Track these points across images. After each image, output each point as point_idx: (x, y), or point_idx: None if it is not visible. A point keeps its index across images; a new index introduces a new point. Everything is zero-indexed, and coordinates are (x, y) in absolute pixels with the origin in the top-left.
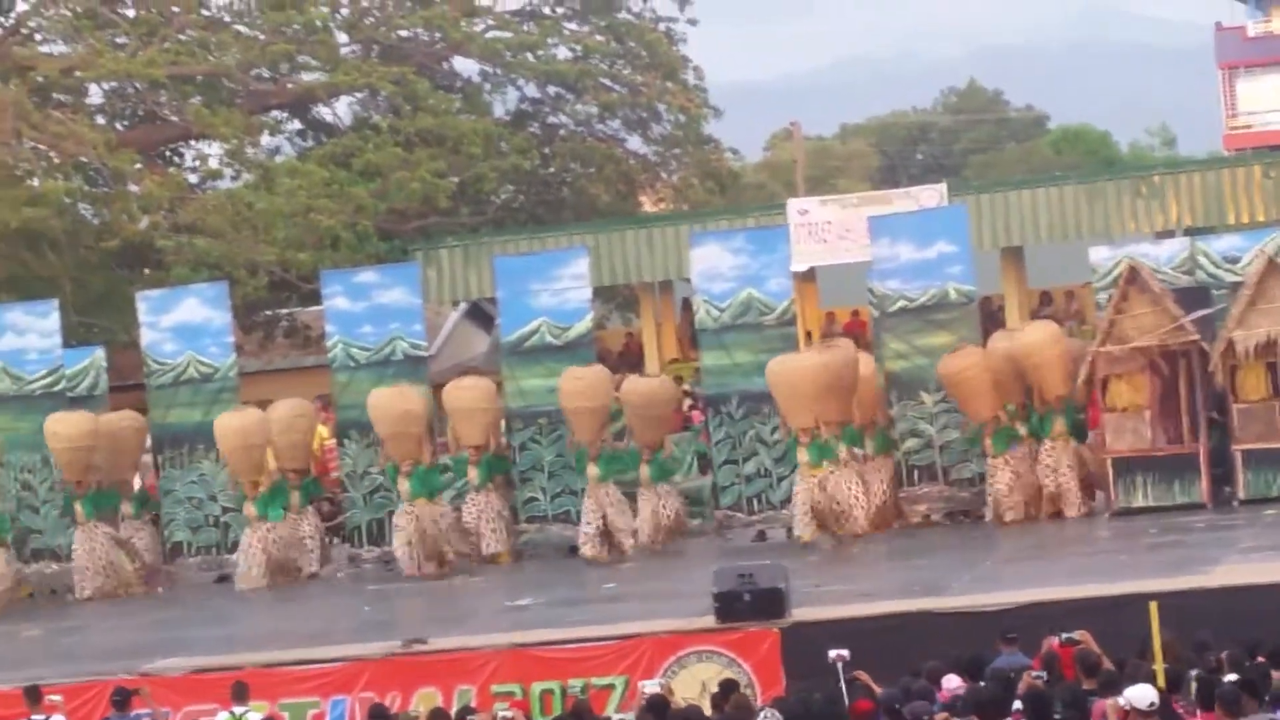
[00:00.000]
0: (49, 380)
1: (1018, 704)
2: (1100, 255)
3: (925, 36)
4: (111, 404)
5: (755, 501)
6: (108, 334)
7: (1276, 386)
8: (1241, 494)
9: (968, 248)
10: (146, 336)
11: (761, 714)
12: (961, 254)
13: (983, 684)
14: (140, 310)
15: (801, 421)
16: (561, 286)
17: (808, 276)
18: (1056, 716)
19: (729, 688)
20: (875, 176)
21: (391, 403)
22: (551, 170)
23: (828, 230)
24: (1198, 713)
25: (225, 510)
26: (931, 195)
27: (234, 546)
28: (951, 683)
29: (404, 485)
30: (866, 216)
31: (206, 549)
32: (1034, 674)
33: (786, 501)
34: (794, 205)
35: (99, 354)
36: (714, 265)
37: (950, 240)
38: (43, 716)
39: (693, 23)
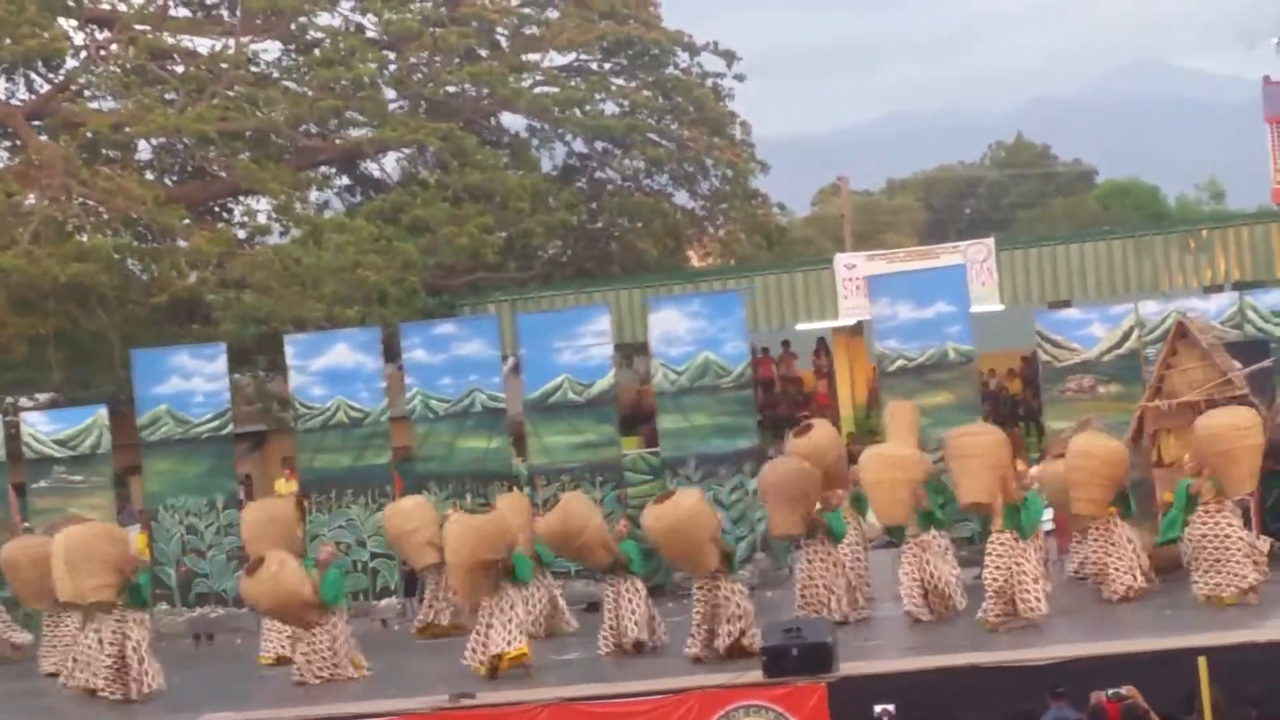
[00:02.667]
0: (215, 424)
1: None
2: (1148, 310)
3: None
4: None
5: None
6: None
7: None
8: None
9: (966, 307)
10: (295, 380)
11: None
12: (960, 314)
13: None
14: (288, 354)
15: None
16: (584, 344)
17: (855, 331)
18: None
19: None
20: (923, 231)
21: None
22: (599, 225)
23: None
24: None
25: (374, 556)
26: (980, 250)
27: (382, 592)
28: None
29: None
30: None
31: (354, 594)
32: None
33: (745, 562)
34: (841, 260)
35: (101, 413)
36: (671, 329)
37: (949, 300)
38: None
39: (740, 78)
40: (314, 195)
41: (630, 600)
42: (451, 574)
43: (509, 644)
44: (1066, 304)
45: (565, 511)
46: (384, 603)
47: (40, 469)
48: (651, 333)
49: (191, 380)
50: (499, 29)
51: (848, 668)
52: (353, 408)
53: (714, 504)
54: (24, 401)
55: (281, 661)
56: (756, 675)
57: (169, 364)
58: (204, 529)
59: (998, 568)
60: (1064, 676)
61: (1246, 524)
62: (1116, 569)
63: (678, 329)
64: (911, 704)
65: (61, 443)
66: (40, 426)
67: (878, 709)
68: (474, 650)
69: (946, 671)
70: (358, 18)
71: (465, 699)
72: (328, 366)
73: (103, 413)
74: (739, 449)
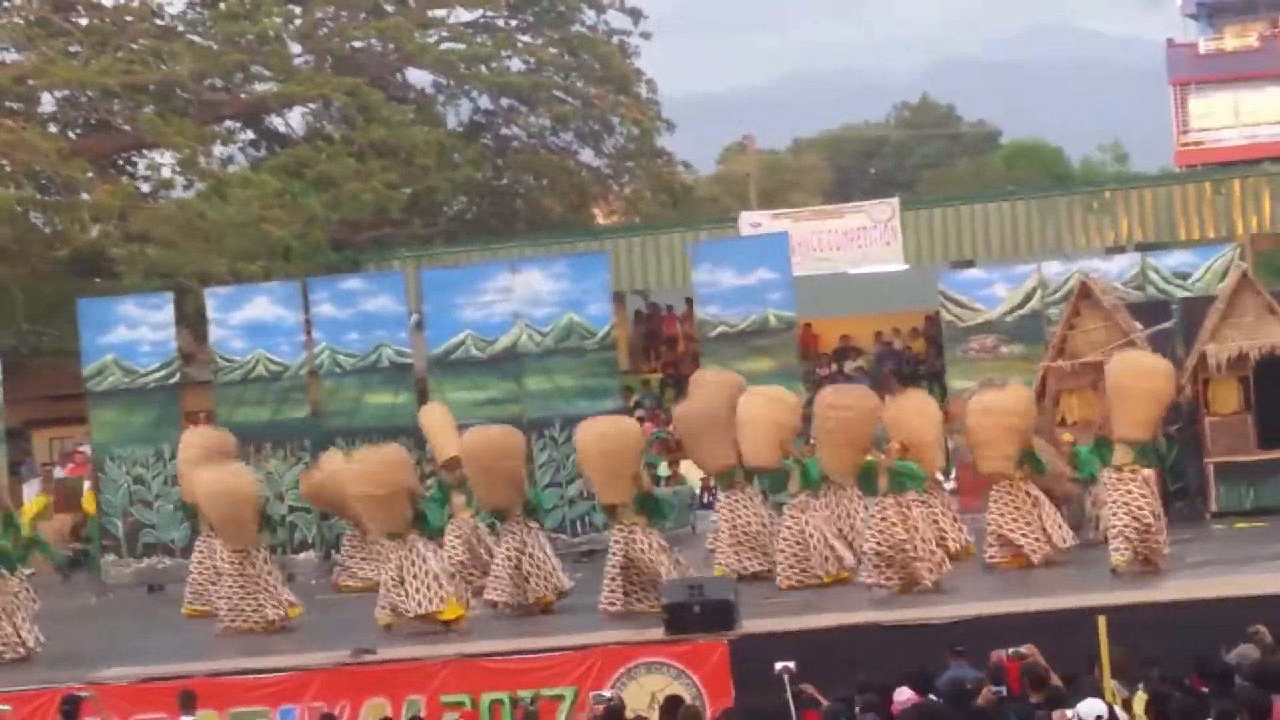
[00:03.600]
0: (162, 373)
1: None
2: (1051, 270)
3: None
4: (59, 413)
5: (579, 524)
6: (58, 342)
7: (1248, 400)
8: (1214, 506)
9: (788, 274)
10: (214, 333)
11: None
12: (782, 281)
13: (933, 697)
14: (209, 306)
15: None
16: (487, 300)
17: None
18: None
19: (675, 703)
20: (828, 190)
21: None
22: (504, 182)
23: None
24: None
25: (293, 510)
26: (884, 210)
27: (300, 546)
28: (903, 695)
29: None
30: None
31: (272, 548)
32: (993, 688)
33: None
34: (746, 218)
35: None
36: (535, 291)
37: (771, 267)
38: None
39: (646, 36)
40: (218, 150)
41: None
42: (363, 507)
43: (433, 603)
44: (970, 264)
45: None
46: (301, 556)
47: None
48: (516, 293)
49: (138, 329)
50: None
51: (749, 625)
52: (273, 361)
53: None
54: None
55: (202, 615)
56: (658, 632)
57: (115, 313)
58: (151, 479)
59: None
60: (964, 635)
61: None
62: (1020, 534)
63: (541, 290)
64: (812, 662)
65: None
66: None
67: (778, 666)
68: (383, 606)
69: (847, 630)
70: None
71: (366, 654)
72: (248, 320)
73: None
74: (604, 409)
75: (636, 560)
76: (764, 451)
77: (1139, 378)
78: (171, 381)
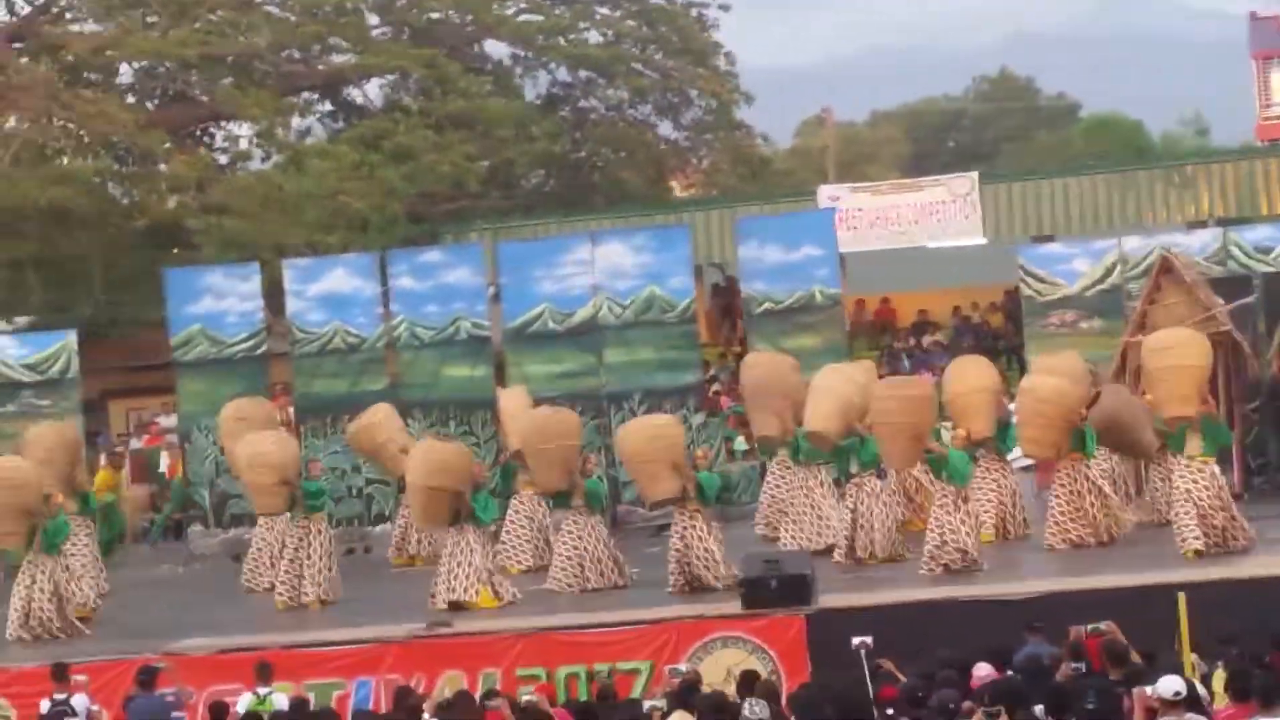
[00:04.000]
0: (250, 343)
1: None
2: (1132, 245)
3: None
4: (135, 384)
5: None
6: (135, 313)
7: None
8: None
9: (834, 251)
10: (292, 305)
11: (746, 703)
12: (828, 257)
13: (1011, 673)
14: (286, 278)
15: None
16: (565, 273)
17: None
18: (1090, 706)
19: (751, 678)
20: (905, 163)
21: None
22: (582, 154)
23: (859, 217)
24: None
25: (369, 482)
26: (963, 184)
27: (376, 519)
28: (982, 671)
29: None
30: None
31: (348, 520)
32: (1072, 664)
33: None
34: (825, 192)
35: (70, 338)
36: (617, 263)
37: (817, 244)
38: (66, 695)
39: (724, 8)
40: (296, 121)
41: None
42: (409, 495)
43: (466, 593)
44: (1050, 239)
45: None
46: (378, 529)
47: (7, 393)
48: (596, 266)
49: (225, 300)
50: None
51: (826, 600)
52: (350, 333)
53: None
54: (2, 325)
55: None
56: (735, 607)
57: (202, 283)
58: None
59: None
60: (1042, 611)
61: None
62: (1061, 515)
63: (623, 262)
64: (889, 637)
65: (30, 367)
66: (9, 350)
67: (856, 641)
68: (434, 593)
69: (925, 605)
70: None
71: (442, 627)
72: (326, 292)
73: (71, 338)
74: (683, 384)
75: (692, 547)
76: (831, 421)
77: (1163, 355)
78: (258, 352)
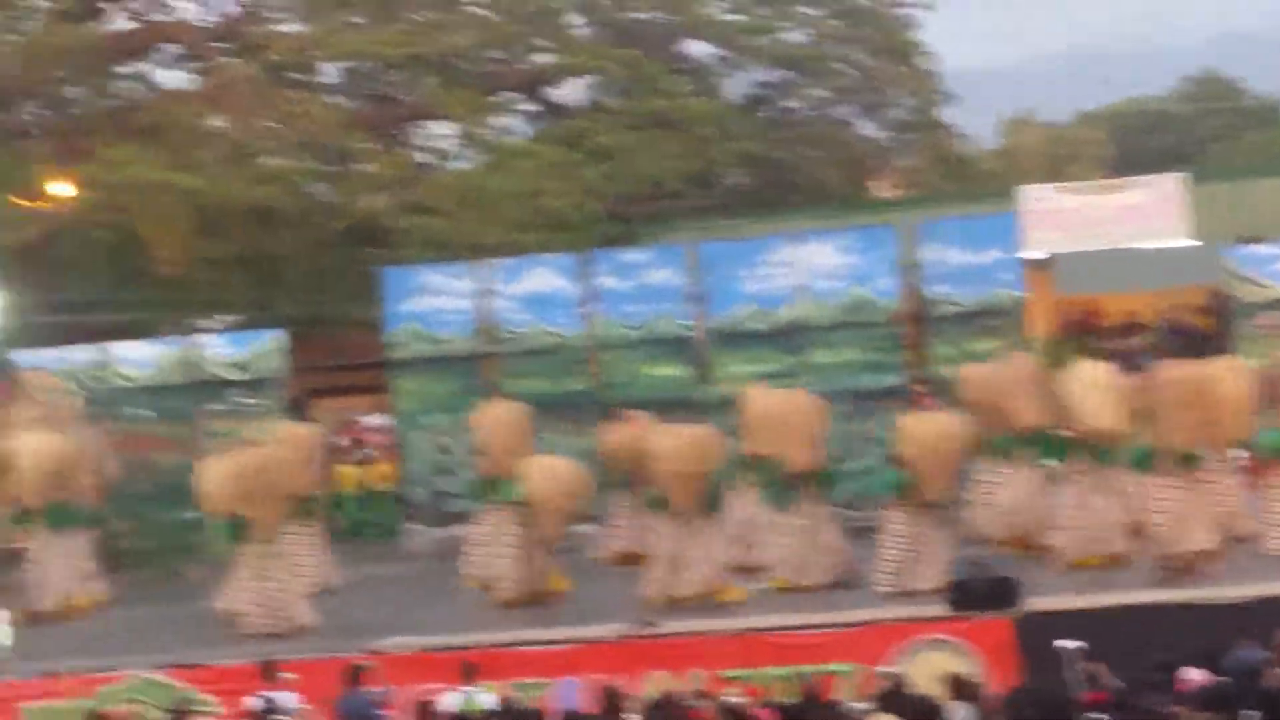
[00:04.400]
0: (463, 343)
1: None
2: None
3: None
4: (339, 383)
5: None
6: (337, 312)
7: None
8: None
9: (1017, 254)
10: (496, 304)
11: (952, 707)
12: (1011, 260)
13: (1222, 678)
14: (491, 277)
15: None
16: (768, 273)
17: (1044, 264)
18: None
19: (958, 682)
20: (1110, 164)
21: None
22: (783, 154)
23: (1064, 217)
24: None
25: None
26: (1168, 184)
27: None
28: (1191, 675)
29: None
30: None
31: None
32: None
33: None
34: (1029, 192)
35: (279, 337)
36: (821, 264)
37: (1001, 247)
38: (275, 692)
39: (928, 6)
40: (497, 120)
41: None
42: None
43: (706, 586)
44: (1258, 239)
45: None
46: (580, 529)
47: (216, 392)
48: (800, 266)
49: (440, 298)
50: None
51: (1033, 603)
52: (552, 333)
53: (866, 439)
54: (208, 324)
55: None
56: (942, 609)
57: (418, 281)
58: (455, 448)
59: None
60: (1255, 616)
61: None
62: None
63: (827, 263)
64: (1100, 641)
65: (238, 366)
66: (217, 350)
67: (1064, 644)
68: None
69: (1135, 609)
70: None
71: (648, 627)
72: (529, 291)
73: (280, 337)
74: (887, 385)
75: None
76: (1107, 416)
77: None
78: (473, 351)
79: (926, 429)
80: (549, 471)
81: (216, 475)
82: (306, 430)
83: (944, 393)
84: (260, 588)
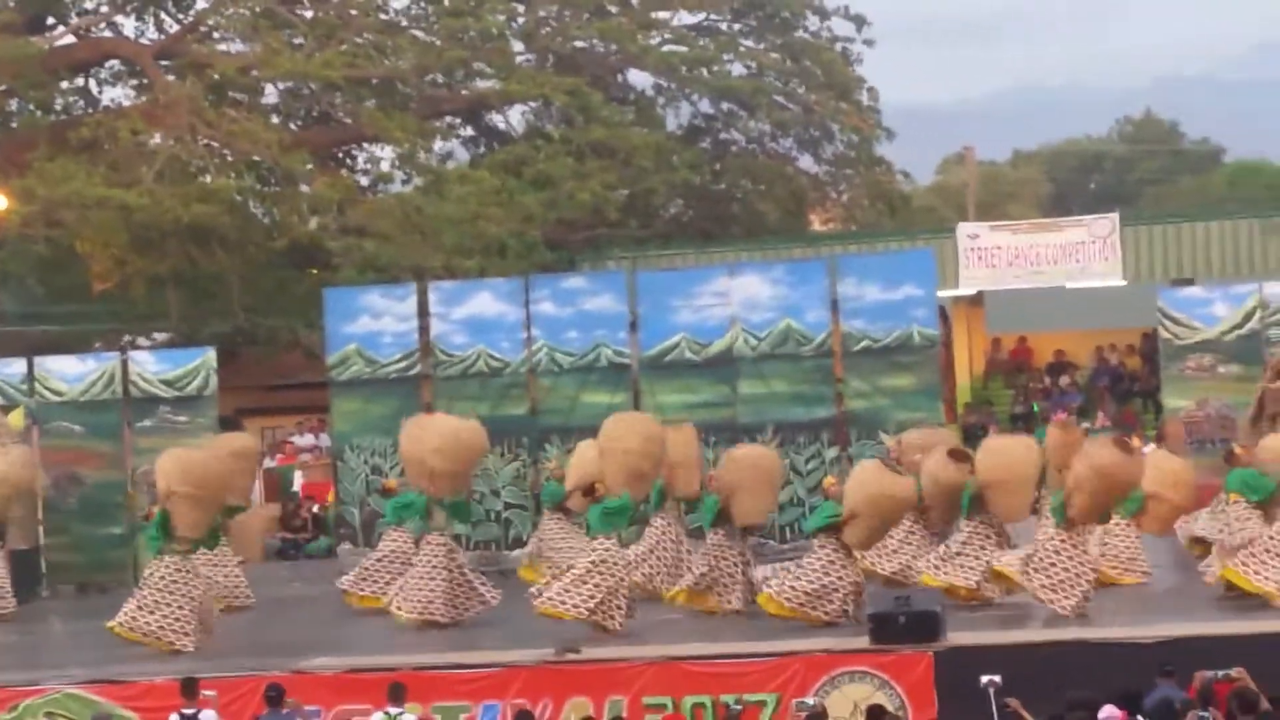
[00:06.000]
0: (404, 364)
1: None
2: (1273, 290)
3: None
4: (275, 402)
5: (788, 530)
6: (272, 332)
7: None
8: None
9: (933, 292)
10: (436, 327)
11: None
12: (927, 298)
13: (1141, 718)
14: (431, 301)
15: None
16: (703, 304)
17: (975, 301)
18: None
19: (878, 713)
20: (1046, 204)
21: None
22: (722, 186)
23: (997, 255)
24: None
25: (508, 506)
26: (1104, 225)
27: (514, 543)
28: (1110, 714)
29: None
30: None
31: (485, 544)
32: (1199, 714)
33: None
34: (964, 229)
35: (210, 355)
36: (754, 295)
37: (917, 284)
38: (195, 710)
39: (869, 43)
40: (438, 145)
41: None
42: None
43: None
44: (1190, 282)
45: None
46: (515, 553)
47: (146, 408)
48: (733, 297)
49: (381, 320)
50: None
51: (956, 637)
52: (494, 357)
53: (790, 471)
54: (141, 341)
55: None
56: (863, 642)
57: (360, 303)
58: (388, 469)
59: None
60: (1173, 655)
61: None
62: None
63: (760, 295)
64: (1018, 677)
65: (169, 383)
66: (148, 366)
67: (984, 680)
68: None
69: (1055, 645)
70: None
71: (570, 654)
72: (470, 315)
73: (211, 355)
74: (817, 418)
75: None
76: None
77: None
78: (412, 373)
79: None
80: None
81: (169, 459)
82: (246, 439)
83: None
84: (171, 601)
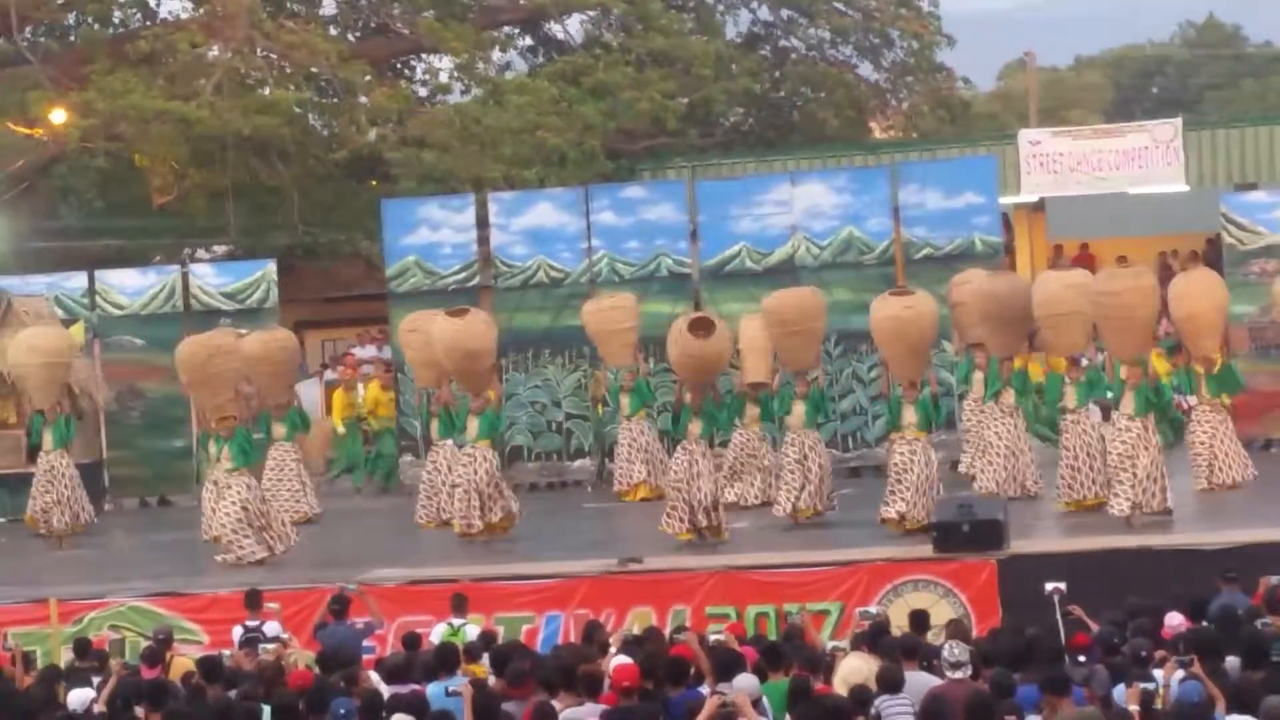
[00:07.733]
0: (463, 275)
1: None
2: None
3: None
4: (335, 314)
5: (850, 439)
6: (332, 244)
7: None
8: None
9: (995, 199)
10: (496, 238)
11: (946, 646)
12: (989, 205)
13: (1206, 624)
14: (491, 211)
15: None
16: (764, 212)
17: (1037, 207)
18: (1276, 659)
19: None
20: (1109, 109)
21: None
22: (781, 94)
23: (1059, 162)
24: None
25: (569, 416)
26: (1166, 130)
27: (575, 453)
28: (1174, 620)
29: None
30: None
31: (547, 454)
32: (1264, 620)
33: (882, 439)
34: (1025, 135)
35: (270, 267)
36: (816, 203)
37: (978, 191)
38: (258, 622)
39: None
40: (496, 55)
41: None
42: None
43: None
44: (1253, 186)
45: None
46: (577, 464)
47: (207, 321)
48: (794, 206)
49: (440, 231)
50: None
51: (1018, 545)
52: (554, 268)
53: (853, 379)
54: (201, 254)
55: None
56: (926, 550)
57: (418, 215)
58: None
59: None
60: (1237, 561)
61: None
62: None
63: (822, 203)
64: (1082, 583)
65: (229, 296)
66: (209, 279)
67: (1049, 587)
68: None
69: (1118, 553)
70: None
71: (633, 563)
72: (530, 226)
73: (271, 267)
74: None
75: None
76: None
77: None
78: (471, 284)
79: None
80: None
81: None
82: (280, 333)
83: None
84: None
